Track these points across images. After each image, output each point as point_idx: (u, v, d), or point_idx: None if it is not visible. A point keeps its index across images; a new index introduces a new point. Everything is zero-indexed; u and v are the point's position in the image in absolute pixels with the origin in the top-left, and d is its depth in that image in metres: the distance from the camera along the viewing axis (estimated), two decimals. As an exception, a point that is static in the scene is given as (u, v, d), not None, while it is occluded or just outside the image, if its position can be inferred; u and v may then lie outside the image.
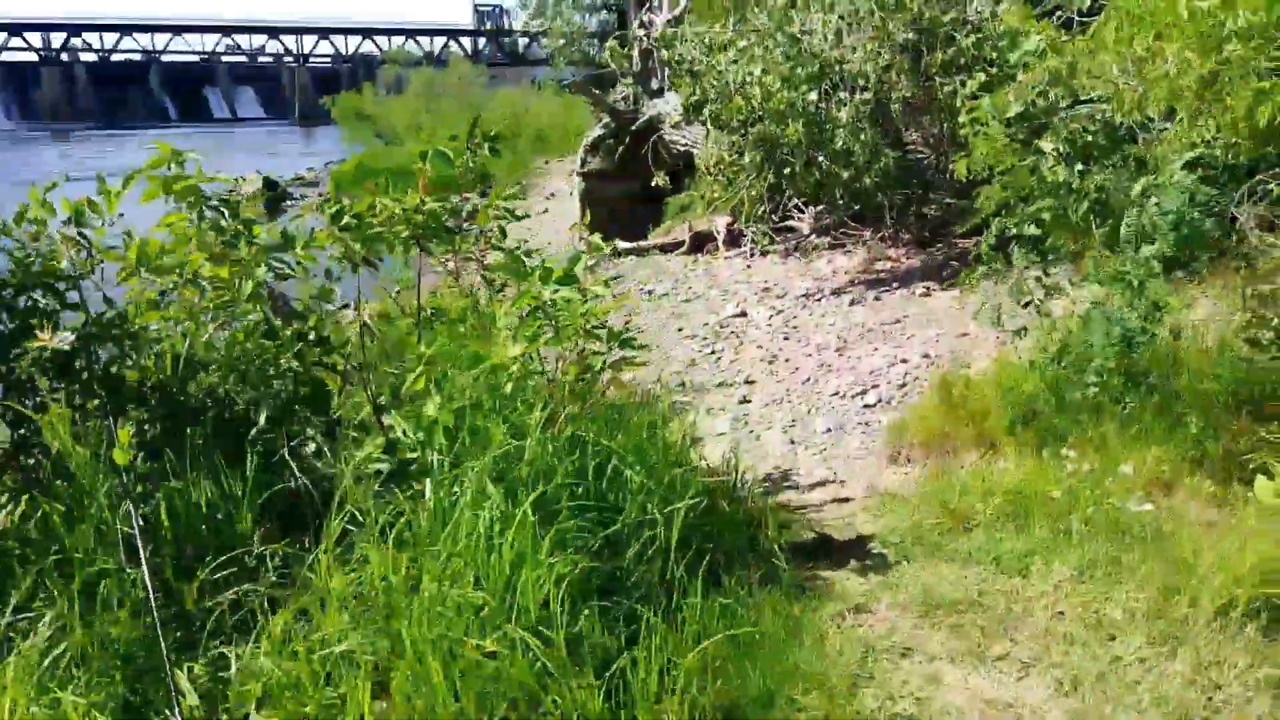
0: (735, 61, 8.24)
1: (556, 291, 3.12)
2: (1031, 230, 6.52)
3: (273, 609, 2.44)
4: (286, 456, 2.82)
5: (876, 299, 8.23)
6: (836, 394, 6.09)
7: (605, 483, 2.97)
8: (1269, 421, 3.64)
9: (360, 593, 2.48)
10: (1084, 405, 3.96)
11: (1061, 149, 6.47)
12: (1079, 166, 6.33)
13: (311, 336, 3.38)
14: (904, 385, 6.02)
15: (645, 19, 12.52)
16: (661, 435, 3.53)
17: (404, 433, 2.87)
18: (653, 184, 10.23)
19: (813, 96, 7.93)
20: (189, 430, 2.89)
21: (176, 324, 3.21)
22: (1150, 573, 2.80)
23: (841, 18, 8.14)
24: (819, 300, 8.42)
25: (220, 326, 3.25)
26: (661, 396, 4.15)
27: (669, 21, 11.82)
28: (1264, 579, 2.55)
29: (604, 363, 3.22)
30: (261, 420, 3.00)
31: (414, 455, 2.84)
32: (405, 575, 2.46)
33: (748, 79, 8.06)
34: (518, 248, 4.42)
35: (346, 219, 3.76)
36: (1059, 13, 7.32)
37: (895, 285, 8.39)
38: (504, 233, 4.51)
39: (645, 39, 12.07)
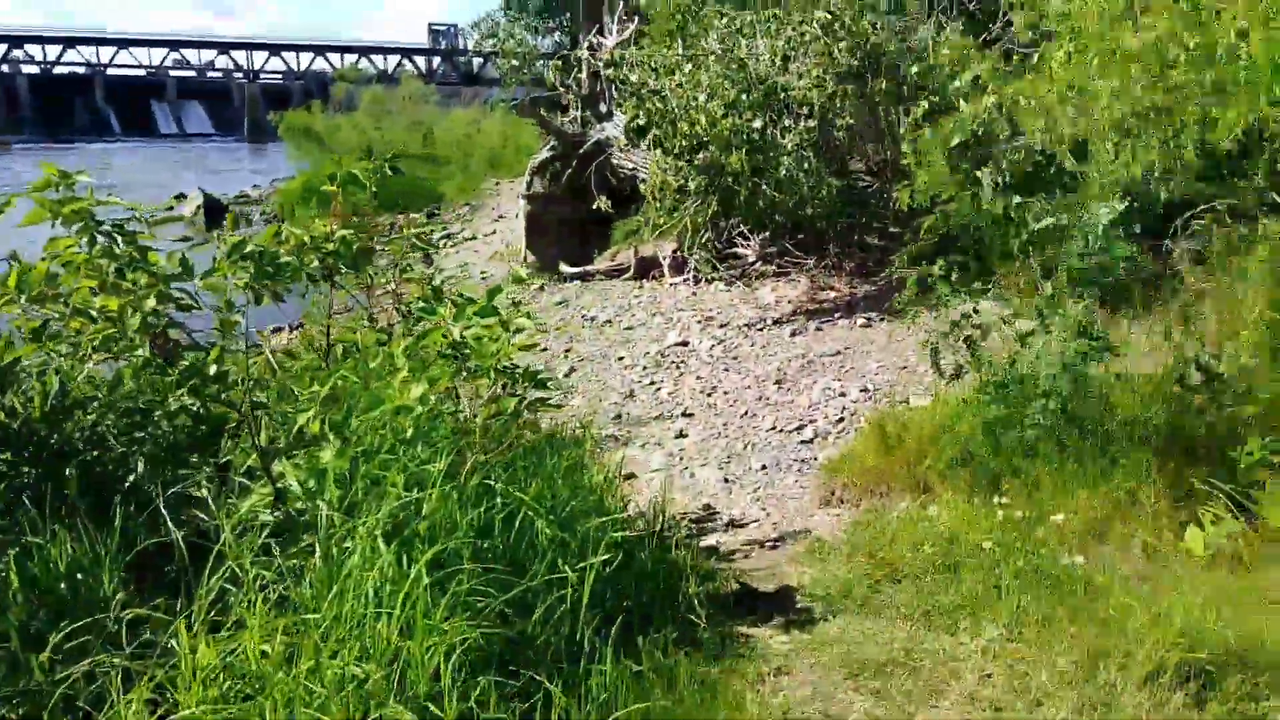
0: (680, 85, 8.16)
1: (468, 327, 2.93)
2: (960, 259, 6.53)
3: (129, 683, 2.20)
4: (161, 508, 2.58)
5: (818, 329, 8.17)
6: (774, 428, 5.97)
7: (514, 536, 2.78)
8: (1200, 466, 3.58)
9: (231, 663, 2.26)
10: (1019, 448, 3.87)
11: (999, 180, 6.48)
12: (1015, 198, 6.34)
13: (211, 372, 3.16)
14: (841, 420, 5.92)
15: (594, 41, 12.43)
16: (585, 479, 3.35)
17: (295, 482, 2.65)
18: (594, 207, 10.08)
19: (757, 124, 7.86)
20: (55, 477, 2.65)
21: (55, 359, 2.97)
22: (1081, 632, 2.68)
23: (787, 42, 8.10)
24: (761, 330, 8.33)
25: (105, 361, 3.02)
26: (583, 437, 3.97)
27: (618, 45, 11.75)
28: (1192, 643, 2.44)
29: (519, 404, 3.03)
30: (140, 466, 2.77)
31: (303, 507, 2.62)
32: (282, 644, 2.25)
33: (692, 104, 7.98)
34: (434, 277, 4.23)
35: (250, 248, 3.55)
36: (1000, 44, 7.38)
37: (838, 315, 8.33)
38: (430, 259, 4.31)
39: (593, 61, 11.97)
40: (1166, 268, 5.77)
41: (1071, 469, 3.70)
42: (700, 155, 8.09)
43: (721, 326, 8.60)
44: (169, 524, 2.51)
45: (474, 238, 17.24)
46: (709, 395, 6.81)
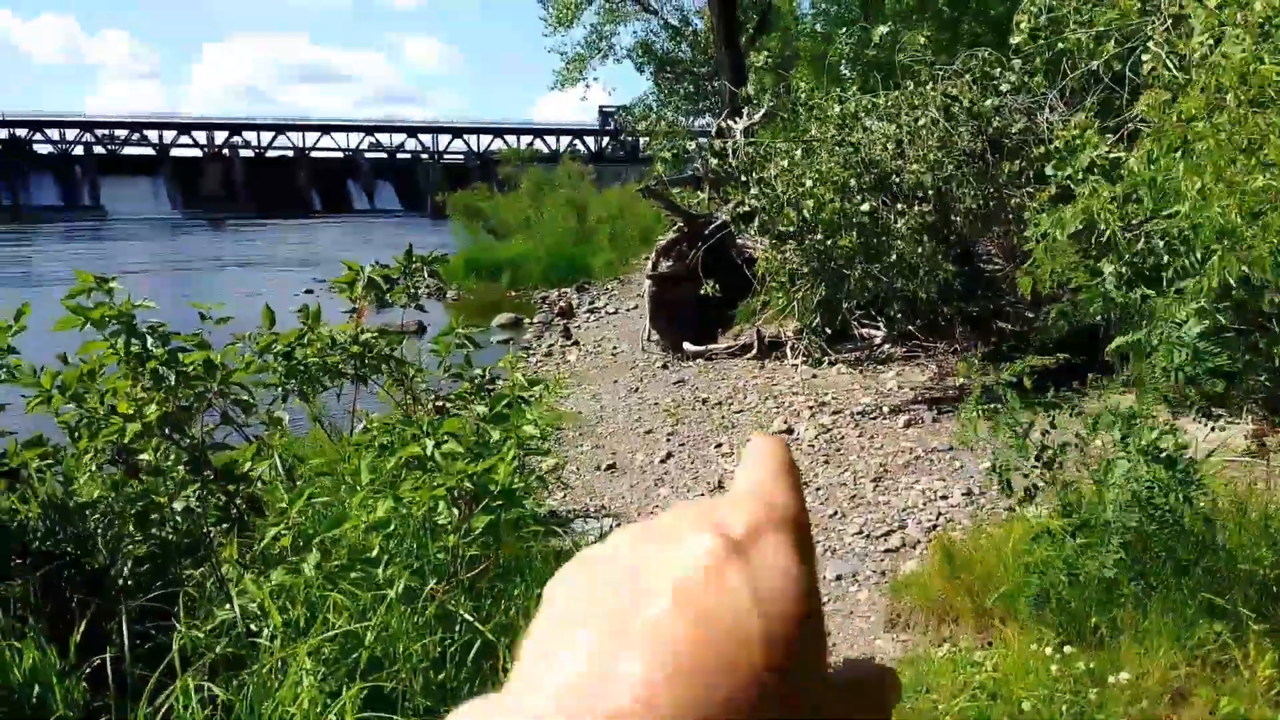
0: (788, 171, 7.98)
1: (443, 443, 2.84)
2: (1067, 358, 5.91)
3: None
4: (123, 620, 2.60)
5: (935, 420, 7.65)
6: (860, 533, 5.55)
7: (473, 668, 2.63)
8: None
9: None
10: (1095, 587, 3.38)
11: (1123, 271, 5.90)
12: (1142, 290, 5.74)
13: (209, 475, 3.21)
14: (935, 527, 5.43)
15: (724, 125, 12.46)
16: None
17: (254, 603, 2.62)
18: (701, 292, 9.98)
19: (865, 207, 7.55)
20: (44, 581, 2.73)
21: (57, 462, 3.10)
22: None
23: (900, 128, 7.79)
24: (874, 419, 7.88)
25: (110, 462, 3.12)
26: (580, 545, 3.77)
27: (745, 130, 11.72)
28: None
29: (494, 523, 2.90)
30: (126, 570, 2.81)
31: (257, 628, 2.58)
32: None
33: (800, 190, 7.77)
34: (484, 374, 4.21)
35: (278, 348, 3.64)
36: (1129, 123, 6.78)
37: (960, 405, 7.78)
38: (470, 361, 4.30)
39: (722, 144, 11.98)
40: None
41: (1155, 616, 3.19)
42: (808, 239, 7.84)
43: (834, 414, 8.21)
44: (123, 638, 2.50)
45: (615, 312, 17.50)
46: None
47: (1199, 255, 3.87)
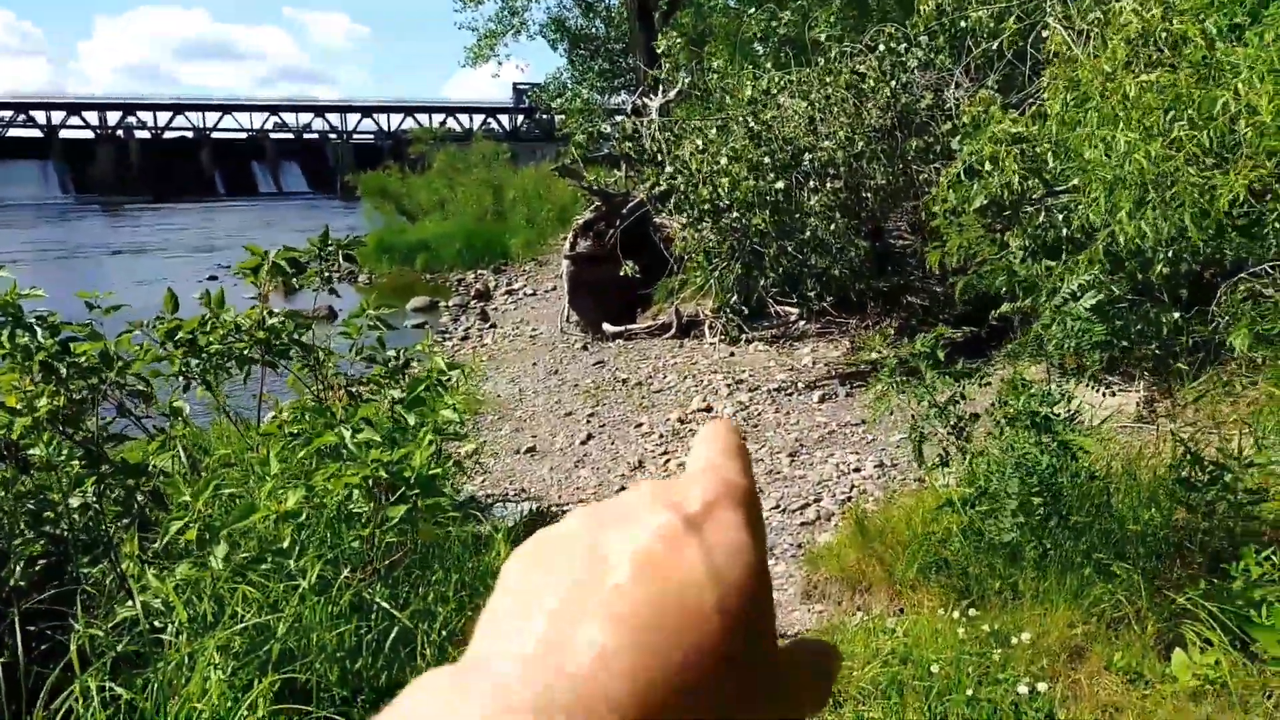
0: (703, 150, 8.01)
1: (358, 431, 2.78)
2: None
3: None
4: (17, 621, 2.48)
5: (849, 394, 7.82)
6: (778, 507, 5.65)
7: (390, 656, 2.59)
8: (1201, 579, 3.17)
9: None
10: (1000, 551, 3.51)
11: (1027, 244, 6.10)
12: (1046, 262, 5.94)
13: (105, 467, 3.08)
14: (849, 499, 5.57)
15: (640, 103, 12.43)
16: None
17: (157, 598, 2.53)
18: (621, 273, 9.97)
19: (780, 185, 7.64)
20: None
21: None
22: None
23: (812, 104, 7.89)
24: (790, 395, 8.02)
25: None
26: (498, 534, 3.76)
27: (661, 107, 11.71)
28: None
29: (411, 510, 2.86)
30: (18, 570, 2.68)
31: (161, 624, 2.49)
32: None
33: (714, 167, 7.82)
34: (396, 358, 4.13)
35: (181, 334, 3.50)
36: (1032, 101, 7.00)
37: (872, 379, 7.96)
38: (383, 344, 4.21)
39: (637, 122, 11.95)
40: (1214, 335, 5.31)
41: (1054, 579, 3.33)
42: (724, 218, 7.90)
43: (751, 390, 8.32)
44: (16, 640, 2.39)
45: (534, 294, 17.37)
46: (720, 468, 6.52)
47: (1094, 220, 4.03)
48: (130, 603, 2.53)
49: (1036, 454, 3.19)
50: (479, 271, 20.06)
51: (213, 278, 20.26)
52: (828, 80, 7.92)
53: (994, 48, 7.53)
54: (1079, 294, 3.84)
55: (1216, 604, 2.86)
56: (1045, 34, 6.31)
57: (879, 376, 4.13)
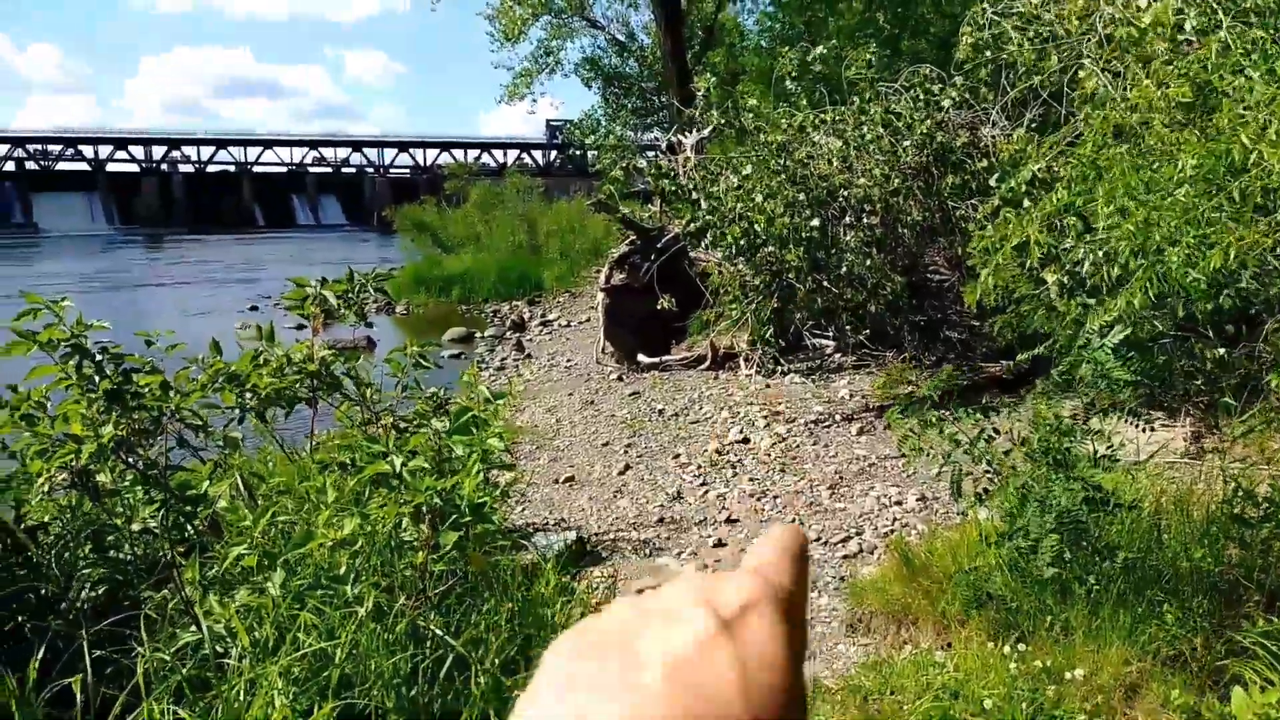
0: (739, 188, 8.08)
1: (411, 457, 2.84)
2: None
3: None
4: (85, 648, 2.55)
5: (887, 427, 7.78)
6: (819, 539, 5.63)
7: (445, 684, 2.63)
8: (1259, 615, 3.12)
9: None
10: (1047, 586, 3.48)
11: (1064, 280, 6.08)
12: (1082, 298, 5.91)
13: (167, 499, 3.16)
14: (890, 533, 5.53)
15: (675, 140, 12.57)
16: (549, 614, 3.18)
17: (220, 623, 2.58)
18: (658, 307, 10.03)
19: (815, 222, 7.68)
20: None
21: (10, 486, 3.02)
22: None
23: (846, 144, 7.94)
24: (828, 427, 8.01)
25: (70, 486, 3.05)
26: (547, 563, 3.78)
27: (695, 145, 11.84)
28: None
29: (461, 538, 2.90)
30: (84, 594, 2.76)
31: (223, 649, 2.54)
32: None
33: (749, 204, 7.88)
34: (440, 394, 4.20)
35: (233, 370, 3.60)
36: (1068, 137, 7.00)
37: (909, 409, 7.93)
38: (419, 381, 4.27)
39: (671, 159, 12.08)
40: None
41: (1107, 615, 3.29)
42: (759, 253, 7.95)
43: (788, 422, 8.31)
44: (86, 662, 2.45)
45: (568, 325, 17.49)
46: (758, 499, 6.52)
47: (1118, 271, 4.02)
48: (194, 627, 2.59)
49: (1058, 492, 3.17)
50: (514, 303, 20.24)
51: (254, 308, 20.63)
52: (863, 120, 7.98)
53: (1031, 85, 7.56)
54: (1104, 332, 3.83)
55: (1275, 643, 2.82)
56: (1081, 74, 6.32)
57: (891, 413, 4.13)
